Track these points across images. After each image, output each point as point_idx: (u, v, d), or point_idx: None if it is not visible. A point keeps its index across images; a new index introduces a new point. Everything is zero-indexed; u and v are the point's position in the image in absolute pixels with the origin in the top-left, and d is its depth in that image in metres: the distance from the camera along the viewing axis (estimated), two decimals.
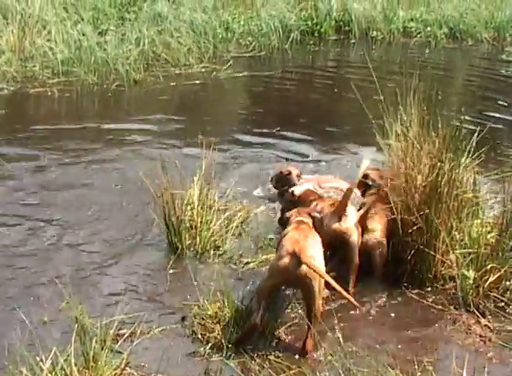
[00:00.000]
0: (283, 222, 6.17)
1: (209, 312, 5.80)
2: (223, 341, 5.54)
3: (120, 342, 5.43)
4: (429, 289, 6.46)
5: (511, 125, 11.04)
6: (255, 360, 5.40)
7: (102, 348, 5.09)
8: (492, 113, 11.10)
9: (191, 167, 7.72)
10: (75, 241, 7.18)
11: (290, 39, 15.37)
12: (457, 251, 6.42)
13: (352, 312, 6.12)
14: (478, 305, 6.12)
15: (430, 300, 6.31)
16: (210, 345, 5.55)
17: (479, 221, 6.76)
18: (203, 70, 13.32)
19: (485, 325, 5.97)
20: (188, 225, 6.96)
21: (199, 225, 7.01)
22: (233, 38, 14.85)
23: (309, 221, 6.01)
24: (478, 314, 6.06)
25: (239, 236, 7.22)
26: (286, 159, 9.25)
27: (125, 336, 5.52)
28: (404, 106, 6.61)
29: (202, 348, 5.54)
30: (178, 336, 5.74)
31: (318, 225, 6.01)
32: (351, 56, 15.76)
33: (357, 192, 6.93)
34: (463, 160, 6.66)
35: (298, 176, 7.55)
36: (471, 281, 6.19)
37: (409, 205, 6.43)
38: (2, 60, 12.36)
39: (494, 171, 7.50)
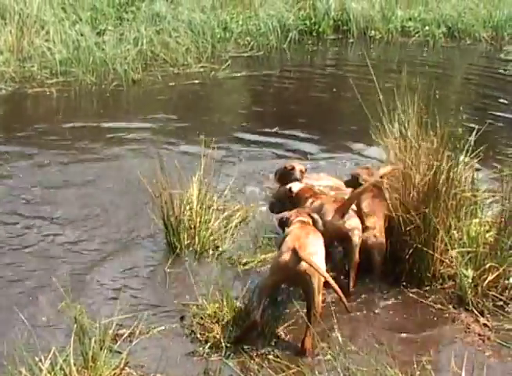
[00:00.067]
0: (283, 223, 6.16)
1: (208, 312, 5.80)
2: (222, 340, 5.54)
3: (119, 342, 5.42)
4: (428, 288, 6.46)
5: (510, 124, 11.05)
6: (254, 360, 5.40)
7: (101, 348, 5.09)
8: (490, 112, 11.11)
9: (190, 166, 7.72)
10: (73, 240, 7.18)
11: (289, 39, 15.37)
12: (456, 250, 6.42)
13: (351, 310, 6.13)
14: (477, 303, 6.12)
15: (429, 299, 6.31)
16: (209, 344, 5.55)
17: (478, 220, 6.76)
18: (201, 69, 13.32)
19: (484, 324, 5.97)
20: (186, 224, 6.95)
21: (197, 224, 7.00)
22: (231, 38, 14.85)
23: (309, 221, 6.03)
24: (477, 313, 6.07)
25: (237, 236, 7.22)
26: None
27: (124, 336, 5.52)
28: (402, 105, 6.61)
29: (201, 348, 5.55)
30: (177, 336, 5.74)
31: (317, 226, 6.02)
32: (350, 56, 15.77)
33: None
34: (461, 158, 6.66)
35: (302, 172, 7.52)
36: (470, 280, 6.19)
37: (407, 204, 6.43)
38: (0, 60, 12.37)
39: (492, 170, 7.50)
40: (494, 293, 6.15)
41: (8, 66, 12.29)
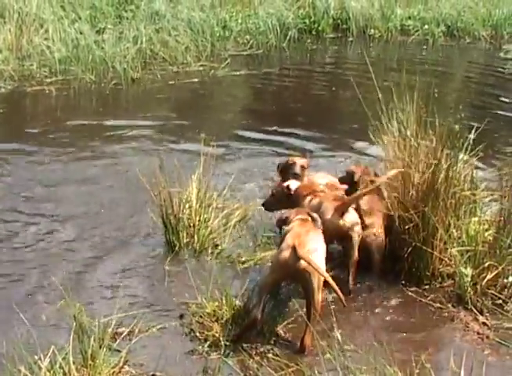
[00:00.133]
0: (282, 222, 6.16)
1: (207, 311, 5.80)
2: (221, 339, 5.54)
3: (118, 341, 5.42)
4: (427, 287, 6.46)
5: (509, 122, 11.06)
6: (253, 358, 5.40)
7: (100, 347, 5.09)
8: (489, 111, 11.11)
9: (189, 165, 7.72)
10: (72, 239, 7.18)
11: (288, 37, 15.38)
12: (455, 249, 6.42)
13: (351, 310, 6.13)
14: (476, 302, 6.12)
15: (428, 298, 6.30)
16: (208, 343, 5.56)
17: (477, 218, 6.77)
18: (200, 68, 13.33)
19: (483, 322, 5.97)
20: (186, 223, 6.95)
21: (197, 223, 7.00)
22: (231, 37, 14.85)
23: (308, 218, 6.03)
24: (476, 311, 6.07)
25: (237, 235, 7.21)
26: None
27: (123, 334, 5.52)
28: (401, 104, 6.61)
29: (200, 347, 5.55)
30: (177, 334, 5.74)
31: (316, 225, 6.02)
32: (349, 54, 15.77)
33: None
34: (460, 157, 6.66)
35: (303, 168, 7.50)
36: (469, 279, 6.19)
37: (406, 203, 6.43)
38: (0, 59, 12.35)
39: (492, 169, 7.50)
40: (493, 291, 6.15)
41: (7, 64, 12.29)
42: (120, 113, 11.20)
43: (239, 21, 15.24)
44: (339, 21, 16.39)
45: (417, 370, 4.91)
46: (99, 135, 10.07)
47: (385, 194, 6.75)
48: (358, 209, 6.51)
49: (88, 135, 10.07)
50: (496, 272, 6.13)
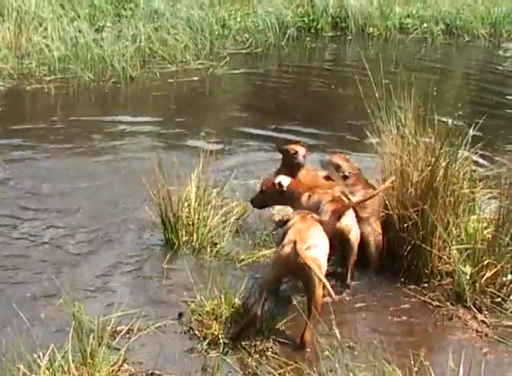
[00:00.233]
0: (283, 224, 6.16)
1: (206, 309, 5.80)
2: (220, 337, 5.54)
3: (117, 339, 5.43)
4: (426, 285, 6.47)
5: (507, 120, 11.06)
6: (253, 356, 5.41)
7: (99, 345, 5.09)
8: (488, 109, 11.10)
9: (188, 163, 7.71)
10: (71, 238, 7.17)
11: (287, 36, 15.39)
12: (454, 247, 6.43)
13: (350, 308, 6.15)
14: (475, 300, 6.13)
15: (427, 296, 6.31)
16: (207, 341, 5.56)
17: (476, 216, 6.77)
18: (199, 66, 13.33)
19: (482, 320, 5.98)
20: (185, 221, 6.95)
21: (196, 221, 7.00)
22: (230, 35, 14.85)
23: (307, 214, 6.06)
24: (475, 310, 6.08)
25: (236, 233, 7.21)
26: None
27: (122, 333, 5.52)
28: (400, 102, 6.62)
29: (199, 345, 5.55)
30: (176, 332, 5.74)
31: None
32: (348, 53, 15.77)
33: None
34: (459, 155, 6.66)
35: (304, 157, 7.50)
36: (468, 277, 6.20)
37: (405, 201, 6.43)
38: None
39: (491, 166, 7.51)
40: (492, 290, 6.16)
41: (6, 63, 12.28)
42: (119, 111, 11.19)
43: (238, 19, 15.24)
44: (338, 19, 16.40)
45: (416, 368, 4.91)
46: (98, 132, 10.07)
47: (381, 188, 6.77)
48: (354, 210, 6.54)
49: (87, 133, 10.06)
50: (495, 270, 6.13)
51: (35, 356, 4.90)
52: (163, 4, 14.53)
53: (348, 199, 6.49)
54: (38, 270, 6.58)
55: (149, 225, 7.26)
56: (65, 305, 5.42)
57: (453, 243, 6.48)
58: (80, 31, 12.98)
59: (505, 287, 6.21)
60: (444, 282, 6.47)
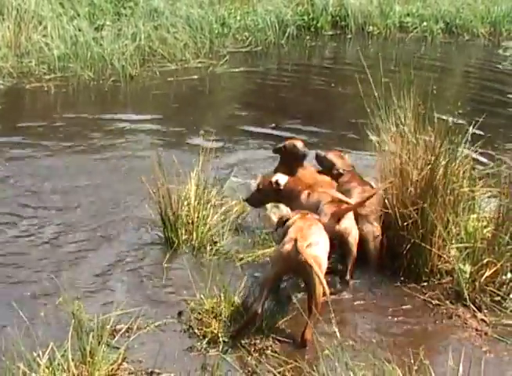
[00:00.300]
0: (282, 224, 6.16)
1: (206, 307, 5.80)
2: (220, 335, 5.54)
3: (116, 337, 5.42)
4: (425, 283, 6.47)
5: (507, 119, 11.06)
6: (252, 355, 5.41)
7: (99, 344, 5.09)
8: (488, 107, 11.10)
9: (188, 161, 7.71)
10: (70, 237, 7.16)
11: (287, 34, 15.38)
12: (453, 246, 6.43)
13: (349, 306, 6.15)
14: (475, 299, 6.13)
15: (427, 294, 6.31)
16: (207, 339, 5.56)
17: (475, 215, 6.78)
18: (199, 65, 13.32)
19: (481, 319, 5.98)
20: (184, 220, 6.95)
21: (195, 220, 7.00)
22: (229, 33, 14.85)
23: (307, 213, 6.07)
24: (474, 308, 6.08)
25: (235, 231, 7.21)
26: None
27: (122, 331, 5.51)
28: (399, 101, 6.62)
29: (199, 343, 5.55)
30: (175, 331, 5.74)
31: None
32: (348, 51, 15.77)
33: None
34: (459, 153, 6.66)
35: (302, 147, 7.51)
36: (468, 275, 6.21)
37: (405, 199, 6.43)
38: None
39: (490, 165, 7.51)
40: (491, 288, 6.16)
41: (6, 61, 12.26)
42: (119, 109, 11.18)
43: (238, 18, 15.24)
44: (337, 18, 16.41)
45: (416, 367, 4.91)
46: (98, 131, 10.06)
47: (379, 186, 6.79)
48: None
49: (87, 131, 10.06)
50: (495, 269, 6.14)
51: (35, 354, 4.90)
52: (162, 2, 14.52)
53: (348, 202, 6.48)
54: (38, 269, 6.57)
55: (149, 224, 7.25)
56: (64, 303, 5.43)
57: (453, 241, 6.49)
58: (79, 30, 12.97)
59: (504, 286, 6.21)
60: (443, 281, 6.47)
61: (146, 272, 6.60)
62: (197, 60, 13.45)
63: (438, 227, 6.37)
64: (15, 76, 12.10)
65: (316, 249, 5.58)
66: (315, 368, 5.05)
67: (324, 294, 5.51)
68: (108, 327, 5.34)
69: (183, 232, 6.93)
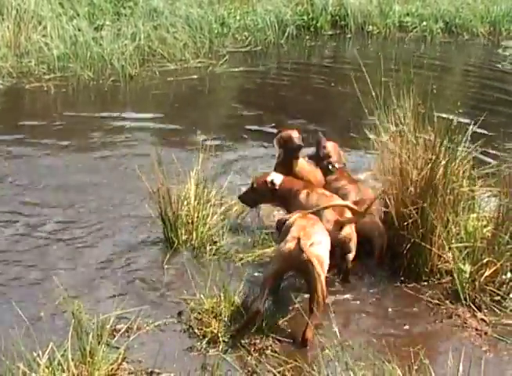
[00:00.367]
0: (282, 225, 6.16)
1: (205, 307, 5.80)
2: (220, 335, 5.54)
3: (116, 337, 5.42)
4: (425, 283, 6.47)
5: (507, 118, 11.06)
6: (252, 355, 5.41)
7: (98, 344, 5.09)
8: (488, 107, 11.08)
9: (187, 161, 7.71)
10: (70, 236, 7.16)
11: (286, 34, 15.38)
12: (453, 245, 6.43)
13: (349, 306, 6.15)
14: (474, 298, 6.13)
15: (427, 294, 6.31)
16: (206, 339, 5.56)
17: (475, 215, 6.77)
18: (199, 65, 13.32)
19: (481, 319, 5.98)
20: (184, 220, 6.95)
21: (195, 220, 7.00)
22: (229, 33, 14.84)
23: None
24: (474, 308, 6.08)
25: (235, 231, 7.21)
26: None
27: (122, 331, 5.51)
28: (399, 100, 6.62)
29: (199, 343, 5.55)
30: (175, 331, 5.74)
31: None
32: (347, 51, 15.77)
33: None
34: (458, 153, 6.66)
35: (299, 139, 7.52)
36: (467, 275, 6.20)
37: (404, 199, 6.43)
38: None
39: (490, 165, 7.51)
40: (491, 288, 6.16)
41: (5, 61, 12.26)
42: (119, 109, 11.17)
43: (238, 18, 15.23)
44: (337, 18, 16.40)
45: (416, 367, 4.91)
46: (97, 130, 10.05)
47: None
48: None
49: (86, 130, 10.05)
50: (495, 268, 6.13)
51: (35, 354, 4.90)
52: (162, 2, 14.51)
53: (353, 209, 6.43)
54: (38, 267, 6.57)
55: (149, 223, 7.25)
56: (64, 303, 5.42)
57: (453, 241, 6.48)
58: (79, 30, 12.96)
59: (504, 286, 6.21)
60: (443, 280, 6.47)
61: (146, 272, 6.60)
62: (197, 60, 13.44)
63: (438, 227, 6.37)
64: (14, 76, 12.10)
65: (319, 248, 5.59)
66: (315, 368, 5.05)
67: (322, 293, 5.52)
68: (108, 326, 5.34)
69: (183, 232, 6.93)
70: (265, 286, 5.59)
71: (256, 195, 7.06)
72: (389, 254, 6.65)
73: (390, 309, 6.17)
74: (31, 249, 6.93)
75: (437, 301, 6.22)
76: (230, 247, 6.96)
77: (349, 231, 6.37)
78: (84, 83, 12.10)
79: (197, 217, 7.00)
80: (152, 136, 9.97)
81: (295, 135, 7.43)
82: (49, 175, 8.56)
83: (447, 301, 6.19)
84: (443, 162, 6.35)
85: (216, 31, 14.57)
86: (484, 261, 6.13)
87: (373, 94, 6.68)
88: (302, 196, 6.70)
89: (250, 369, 5.27)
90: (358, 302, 6.24)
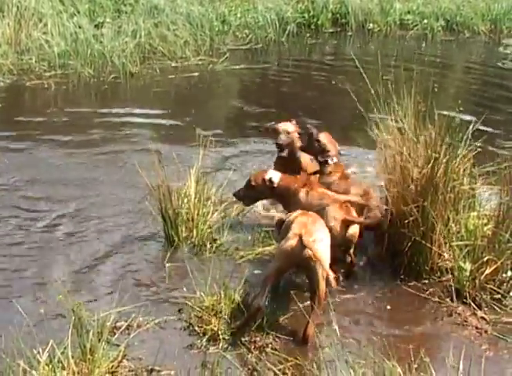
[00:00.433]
0: (280, 223, 6.16)
1: (206, 305, 5.80)
2: (220, 333, 5.55)
3: (117, 335, 5.43)
4: (426, 281, 6.46)
5: (508, 116, 11.05)
6: (252, 352, 5.41)
7: (99, 341, 5.10)
8: (488, 105, 11.08)
9: (188, 159, 7.71)
10: (71, 233, 7.17)
11: (287, 32, 15.37)
12: (454, 243, 6.42)
13: (350, 304, 6.15)
14: (475, 297, 6.13)
15: (427, 292, 6.31)
16: (207, 337, 5.56)
17: (476, 213, 6.77)
18: (199, 62, 13.31)
19: (482, 317, 5.98)
20: (184, 217, 6.94)
21: (195, 217, 6.99)
22: (230, 31, 14.83)
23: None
24: (475, 306, 6.08)
25: (235, 229, 7.21)
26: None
27: (122, 328, 5.53)
28: (400, 99, 6.61)
29: (199, 341, 5.55)
30: (175, 328, 5.75)
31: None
32: (348, 49, 15.74)
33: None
34: (459, 151, 6.65)
35: (287, 133, 7.50)
36: (468, 273, 6.20)
37: (405, 197, 6.42)
38: None
39: (490, 163, 7.49)
40: (492, 286, 6.16)
41: (6, 58, 12.27)
42: (119, 106, 11.16)
43: (238, 15, 15.22)
44: (338, 15, 16.38)
45: (416, 365, 4.91)
46: (98, 127, 10.06)
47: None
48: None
49: (87, 127, 10.05)
50: (495, 266, 6.13)
51: (35, 351, 4.91)
52: (163, 0, 14.51)
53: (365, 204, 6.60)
54: (38, 267, 6.57)
55: (149, 222, 7.25)
56: (65, 301, 5.42)
57: (453, 239, 6.48)
58: (80, 27, 12.97)
59: (505, 284, 6.21)
60: (444, 278, 6.46)
61: (146, 270, 6.60)
62: (197, 58, 13.44)
63: (439, 225, 6.37)
64: (15, 73, 12.11)
65: (321, 245, 5.59)
66: (315, 366, 5.05)
67: (330, 284, 5.53)
68: (108, 324, 5.35)
69: (183, 229, 6.93)
70: (267, 283, 5.59)
71: (253, 192, 7.01)
72: (390, 252, 6.63)
73: (390, 308, 6.16)
74: (31, 244, 6.95)
75: (437, 300, 6.22)
76: (230, 244, 6.96)
77: (356, 230, 6.39)
78: (84, 80, 12.11)
79: (197, 214, 7.00)
80: (152, 133, 9.97)
81: (283, 127, 7.49)
82: (49, 170, 8.58)
83: (447, 300, 6.19)
84: (444, 160, 6.35)
85: (217, 29, 14.56)
86: (485, 259, 6.13)
87: (374, 91, 6.66)
88: (301, 194, 6.68)
89: (250, 367, 5.27)
90: (358, 300, 6.24)
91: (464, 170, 6.75)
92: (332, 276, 5.53)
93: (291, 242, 5.56)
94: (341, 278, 6.42)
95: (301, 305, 5.62)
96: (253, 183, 6.95)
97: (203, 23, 14.23)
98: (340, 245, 6.32)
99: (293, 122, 7.74)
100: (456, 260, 6.32)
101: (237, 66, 13.40)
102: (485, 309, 6.07)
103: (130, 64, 12.49)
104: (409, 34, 16.22)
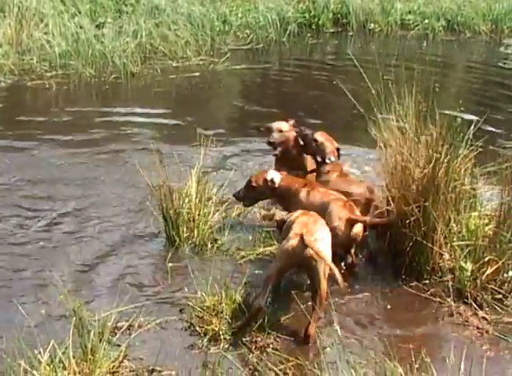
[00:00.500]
0: (281, 223, 6.16)
1: (207, 305, 5.79)
2: (221, 333, 5.54)
3: (118, 335, 5.42)
4: (427, 281, 6.45)
5: (509, 117, 11.05)
6: (253, 352, 5.41)
7: (100, 341, 5.09)
8: (489, 105, 11.08)
9: (189, 159, 7.71)
10: (72, 233, 7.16)
11: (288, 32, 15.38)
12: (455, 243, 6.42)
13: (351, 304, 6.14)
14: (476, 297, 6.12)
15: (428, 292, 6.30)
16: (208, 337, 5.56)
17: (477, 213, 6.76)
18: (200, 62, 13.32)
19: (483, 317, 5.97)
20: (186, 217, 6.94)
21: (197, 217, 6.99)
22: (231, 31, 14.85)
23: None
24: (476, 306, 6.07)
25: (236, 229, 7.21)
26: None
27: (123, 329, 5.52)
28: (401, 98, 6.60)
29: (200, 341, 5.55)
30: (176, 329, 5.74)
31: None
32: (349, 49, 15.75)
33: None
34: (460, 151, 6.65)
35: (280, 131, 7.50)
36: (469, 273, 6.19)
37: (406, 197, 6.42)
38: (0, 53, 12.34)
39: (492, 163, 7.49)
40: (493, 286, 6.15)
41: (7, 58, 12.28)
42: (120, 106, 11.17)
43: (239, 15, 15.24)
44: (339, 15, 16.40)
45: (417, 365, 4.91)
46: (98, 127, 10.06)
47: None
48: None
49: (87, 127, 10.05)
50: (496, 266, 6.12)
51: (36, 351, 4.90)
52: (164, 0, 14.52)
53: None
54: (39, 267, 6.57)
55: (151, 222, 7.25)
56: (66, 301, 5.42)
57: (454, 239, 6.47)
58: (81, 27, 12.98)
59: (506, 284, 6.20)
60: (445, 278, 6.45)
61: (147, 270, 6.60)
62: (198, 58, 13.45)
63: (440, 225, 6.36)
64: (16, 73, 12.12)
65: (322, 245, 5.59)
66: (316, 366, 5.04)
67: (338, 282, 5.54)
68: (109, 324, 5.33)
69: (184, 229, 6.92)
70: (268, 283, 5.58)
71: (254, 193, 7.01)
72: (391, 252, 6.63)
73: (391, 308, 6.16)
74: (32, 243, 6.95)
75: (438, 300, 6.21)
76: (231, 244, 6.96)
77: (360, 229, 6.39)
78: (85, 80, 12.12)
79: (199, 214, 7.00)
80: (153, 132, 9.97)
81: (275, 125, 7.50)
82: (50, 169, 8.58)
83: (448, 300, 6.18)
84: (445, 160, 6.34)
85: (218, 29, 14.58)
86: (486, 259, 6.12)
87: (375, 91, 6.66)
88: (302, 194, 6.68)
89: (251, 367, 5.27)
90: (359, 300, 6.23)
91: (465, 170, 6.75)
92: (338, 273, 5.50)
93: (292, 242, 5.56)
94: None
95: (302, 306, 5.62)
96: (253, 184, 6.95)
97: (204, 23, 14.24)
98: (344, 245, 6.32)
99: (291, 122, 7.73)
100: (457, 260, 6.31)
101: (238, 66, 13.41)
102: (486, 309, 6.06)
103: (131, 64, 12.50)
104: (410, 34, 16.23)
